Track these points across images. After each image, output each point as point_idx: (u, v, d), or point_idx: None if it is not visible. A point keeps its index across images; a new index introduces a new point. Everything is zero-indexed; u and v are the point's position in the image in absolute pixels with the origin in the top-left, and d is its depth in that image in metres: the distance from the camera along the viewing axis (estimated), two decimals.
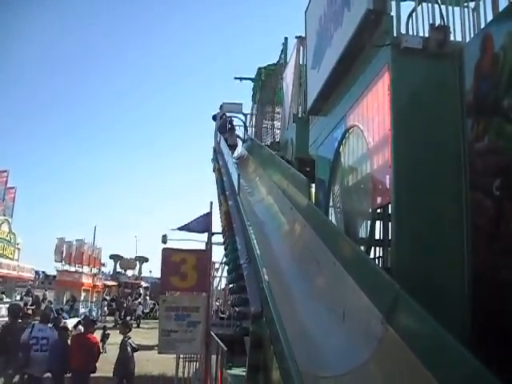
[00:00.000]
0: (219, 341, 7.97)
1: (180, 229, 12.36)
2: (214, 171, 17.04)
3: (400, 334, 3.58)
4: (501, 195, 4.71)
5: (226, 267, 10.23)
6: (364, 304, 4.29)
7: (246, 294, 5.95)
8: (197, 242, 12.74)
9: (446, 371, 2.97)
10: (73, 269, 40.15)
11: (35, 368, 11.79)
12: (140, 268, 62.63)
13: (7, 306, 30.47)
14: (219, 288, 17.45)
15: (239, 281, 6.81)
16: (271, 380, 4.36)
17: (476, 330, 4.65)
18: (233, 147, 18.03)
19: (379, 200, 5.88)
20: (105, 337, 20.90)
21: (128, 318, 37.01)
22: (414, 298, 3.52)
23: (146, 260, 61.48)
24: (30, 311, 19.04)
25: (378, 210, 6.08)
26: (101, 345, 17.85)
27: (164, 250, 11.69)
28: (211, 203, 11.91)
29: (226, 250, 9.47)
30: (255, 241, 6.73)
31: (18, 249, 35.53)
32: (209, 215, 11.71)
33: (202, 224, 11.72)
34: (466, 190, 5.15)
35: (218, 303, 18.96)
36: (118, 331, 14.90)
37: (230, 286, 7.89)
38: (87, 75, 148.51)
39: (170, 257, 11.30)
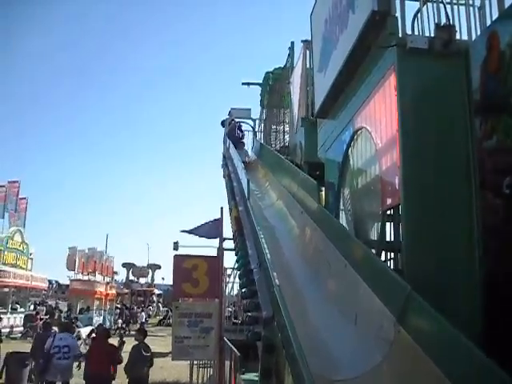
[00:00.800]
0: (232, 346, 7.96)
1: (189, 232, 12.37)
2: (224, 177, 17.07)
3: (412, 336, 3.56)
4: (511, 193, 4.68)
5: (238, 272, 10.23)
6: (376, 306, 4.28)
7: (257, 299, 5.95)
8: (208, 248, 12.77)
9: (459, 371, 2.96)
10: (85, 278, 40.32)
11: (58, 375, 12.19)
12: (153, 275, 62.83)
13: (21, 315, 30.91)
14: (232, 294, 17.49)
15: (251, 286, 6.81)
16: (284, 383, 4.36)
17: (488, 330, 4.61)
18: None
19: (389, 201, 5.85)
20: (121, 344, 20.93)
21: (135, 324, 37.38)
22: (426, 299, 3.50)
23: (159, 267, 61.69)
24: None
25: (388, 212, 6.05)
26: None
27: (175, 256, 11.69)
28: (221, 209, 11.91)
29: (236, 255, 9.48)
30: (265, 245, 6.73)
31: (31, 259, 35.70)
32: (219, 221, 11.72)
33: (212, 229, 11.73)
34: (475, 189, 5.12)
35: (230, 309, 18.96)
36: (134, 338, 14.98)
37: (242, 290, 7.89)
38: (97, 80, 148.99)
39: (182, 263, 11.28)
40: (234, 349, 7.60)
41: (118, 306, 47.65)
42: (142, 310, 45.97)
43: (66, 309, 39.78)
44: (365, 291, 4.63)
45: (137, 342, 13.65)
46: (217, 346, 10.53)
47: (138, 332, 14.73)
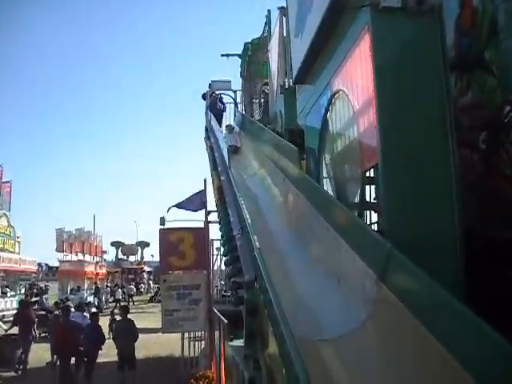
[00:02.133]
0: (220, 315, 8.02)
1: (176, 206, 12.42)
2: (206, 149, 17.02)
3: (394, 292, 3.59)
4: (487, 148, 4.71)
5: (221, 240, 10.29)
6: (358, 266, 4.30)
7: (240, 264, 5.98)
8: (196, 221, 12.81)
9: (442, 325, 2.98)
10: (75, 258, 40.32)
11: None
12: (142, 253, 62.93)
13: (12, 299, 30.92)
14: (222, 268, 17.60)
15: (233, 252, 6.85)
16: (267, 345, 4.40)
17: (467, 284, 4.65)
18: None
19: (368, 162, 5.85)
20: (113, 322, 21.21)
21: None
22: (407, 258, 3.53)
23: (148, 244, 61.72)
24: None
25: (369, 174, 6.06)
26: (108, 330, 18.33)
27: (161, 230, 11.76)
28: (205, 180, 11.94)
29: (220, 223, 9.53)
30: (246, 211, 6.75)
31: (19, 242, 35.59)
32: (203, 192, 11.75)
33: (196, 202, 11.78)
34: (452, 146, 5.12)
35: (222, 282, 19.08)
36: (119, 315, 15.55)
37: (225, 258, 7.95)
38: (81, 67, 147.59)
39: (167, 237, 11.37)
40: (222, 317, 7.66)
41: (109, 285, 47.95)
42: (119, 287, 46.43)
43: (56, 290, 39.82)
44: (347, 252, 4.65)
45: (120, 318, 14.19)
46: (206, 317, 10.65)
47: (121, 309, 15.32)
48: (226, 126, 16.52)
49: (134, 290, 52.85)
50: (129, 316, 14.15)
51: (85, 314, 15.78)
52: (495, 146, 4.74)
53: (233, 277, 6.46)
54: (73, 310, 15.76)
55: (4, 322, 25.32)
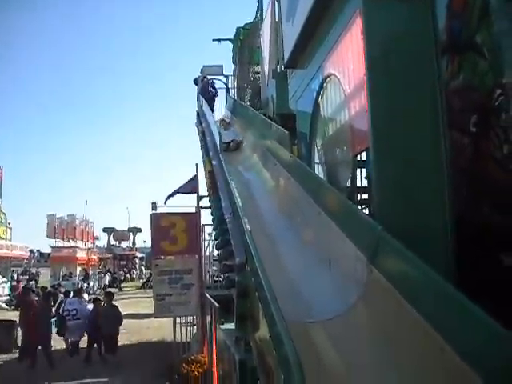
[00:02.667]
0: (211, 299, 8.04)
1: (169, 197, 12.46)
2: (198, 134, 16.97)
3: (384, 274, 3.60)
4: (477, 132, 4.70)
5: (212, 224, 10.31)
6: (349, 249, 4.32)
7: (231, 247, 5.98)
8: (187, 207, 12.83)
9: (432, 307, 3.00)
10: (66, 244, 40.28)
11: (71, 334, 14.48)
12: (134, 239, 62.90)
13: (3, 286, 30.88)
14: (214, 253, 17.61)
15: (225, 235, 6.85)
16: (258, 327, 4.41)
17: (459, 271, 4.66)
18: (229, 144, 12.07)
19: (358, 146, 5.84)
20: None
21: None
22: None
23: (140, 230, 61.70)
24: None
25: (360, 157, 6.05)
26: None
27: (152, 215, 11.79)
28: (197, 165, 11.94)
29: (211, 207, 9.55)
30: (237, 194, 6.75)
31: (10, 228, 35.49)
32: (195, 177, 11.76)
33: (188, 185, 11.82)
34: (444, 130, 5.10)
35: (214, 267, 19.11)
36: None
37: (216, 241, 7.98)
38: (71, 53, 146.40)
39: (159, 222, 11.39)
40: (213, 301, 7.68)
41: (101, 271, 48.08)
42: (106, 273, 46.84)
43: (48, 277, 39.82)
44: (338, 236, 4.67)
45: (105, 305, 14.57)
46: (198, 302, 10.67)
47: (105, 295, 15.71)
48: (221, 122, 16.41)
49: (128, 276, 53.10)
50: (121, 302, 14.37)
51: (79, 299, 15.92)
52: (486, 130, 4.74)
53: (224, 260, 6.48)
54: (71, 295, 16.39)
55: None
